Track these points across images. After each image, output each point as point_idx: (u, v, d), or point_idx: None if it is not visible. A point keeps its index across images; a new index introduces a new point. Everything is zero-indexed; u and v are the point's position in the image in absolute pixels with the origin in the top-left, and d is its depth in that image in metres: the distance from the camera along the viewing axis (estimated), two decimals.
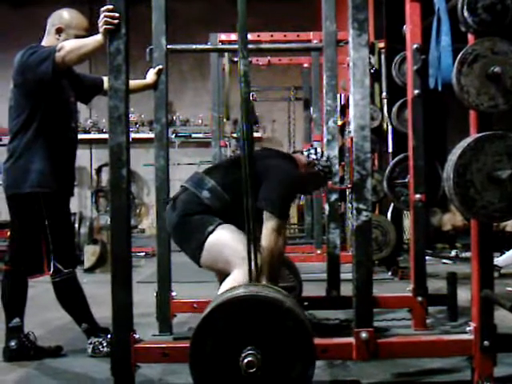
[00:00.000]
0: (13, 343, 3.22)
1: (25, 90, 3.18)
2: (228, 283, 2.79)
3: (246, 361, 2.16)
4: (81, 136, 3.59)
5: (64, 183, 3.29)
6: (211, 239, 2.95)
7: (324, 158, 3.36)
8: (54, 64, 3.02)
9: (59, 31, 3.26)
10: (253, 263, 2.52)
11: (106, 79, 3.31)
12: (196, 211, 3.04)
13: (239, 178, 2.98)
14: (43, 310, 4.34)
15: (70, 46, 3.03)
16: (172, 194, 3.45)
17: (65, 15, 3.29)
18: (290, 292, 3.65)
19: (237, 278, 2.78)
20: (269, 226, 2.92)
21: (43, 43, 3.28)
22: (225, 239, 2.94)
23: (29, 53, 3.12)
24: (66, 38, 3.23)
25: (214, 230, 2.96)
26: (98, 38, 2.85)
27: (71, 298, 3.34)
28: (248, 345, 2.19)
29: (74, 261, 3.42)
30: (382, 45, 6.41)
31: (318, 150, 3.42)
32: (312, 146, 3.50)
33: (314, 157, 3.34)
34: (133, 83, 3.27)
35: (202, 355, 2.21)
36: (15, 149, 3.23)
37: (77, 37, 3.22)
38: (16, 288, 3.31)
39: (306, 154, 3.37)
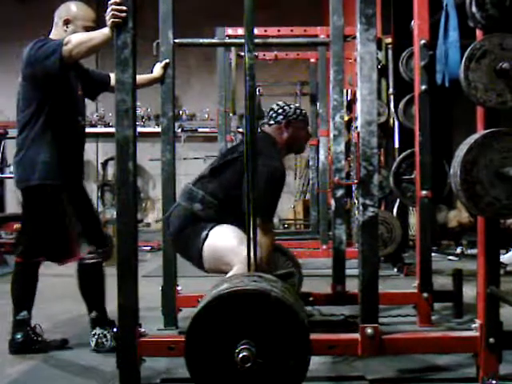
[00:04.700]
0: (19, 336, 3.24)
1: (33, 84, 3.18)
2: None
3: (240, 356, 2.16)
4: (87, 130, 3.59)
5: (71, 176, 3.29)
6: (206, 246, 2.99)
7: (287, 108, 3.33)
8: (61, 58, 3.02)
9: (67, 23, 3.25)
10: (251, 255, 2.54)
11: (112, 76, 3.31)
12: (190, 224, 3.07)
13: (225, 180, 3.08)
14: (49, 304, 4.36)
15: (77, 39, 3.02)
16: (178, 189, 3.47)
17: (72, 7, 3.29)
18: (288, 278, 3.67)
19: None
20: None
21: (51, 36, 3.28)
22: (218, 242, 2.97)
23: (37, 46, 3.11)
24: (73, 29, 3.23)
25: (207, 235, 3.00)
26: (105, 32, 2.85)
27: (93, 282, 3.33)
28: (241, 339, 2.19)
29: (105, 240, 3.43)
30: (389, 40, 6.38)
31: (274, 107, 3.38)
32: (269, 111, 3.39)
33: (280, 118, 3.31)
34: (139, 78, 3.28)
35: (197, 353, 2.22)
36: (23, 141, 3.24)
37: (84, 28, 3.22)
38: (27, 281, 3.32)
39: (272, 122, 3.32)
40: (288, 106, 3.35)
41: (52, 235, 3.27)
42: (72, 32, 3.21)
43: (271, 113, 3.35)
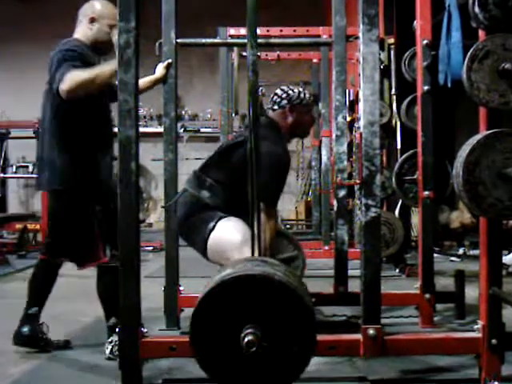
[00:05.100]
0: (26, 329, 3.24)
1: (51, 91, 3.16)
2: None
3: (246, 340, 2.12)
4: None
5: (95, 180, 3.26)
6: (212, 237, 3.00)
7: (291, 92, 3.30)
8: (58, 95, 3.02)
9: (92, 21, 3.26)
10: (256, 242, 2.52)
11: None
12: (197, 211, 3.07)
13: (233, 167, 3.07)
14: (53, 303, 4.34)
15: (81, 78, 2.98)
16: (179, 189, 3.46)
17: (97, 5, 3.29)
18: (292, 262, 3.66)
19: None
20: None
21: (76, 34, 3.29)
22: (223, 236, 2.98)
23: (55, 58, 3.09)
24: (99, 27, 3.24)
25: (214, 226, 3.00)
26: (112, 66, 2.87)
27: (113, 287, 3.24)
28: (246, 323, 2.16)
29: None
30: (391, 40, 6.38)
31: (278, 92, 3.35)
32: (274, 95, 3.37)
33: (284, 102, 3.29)
34: (142, 81, 3.29)
35: (203, 338, 2.20)
36: (45, 145, 3.24)
37: (109, 26, 3.23)
38: (46, 279, 3.34)
39: (276, 107, 3.29)
40: (292, 90, 3.32)
41: (76, 238, 3.27)
42: (97, 30, 3.22)
43: (275, 97, 3.32)
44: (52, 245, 3.36)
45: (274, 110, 3.31)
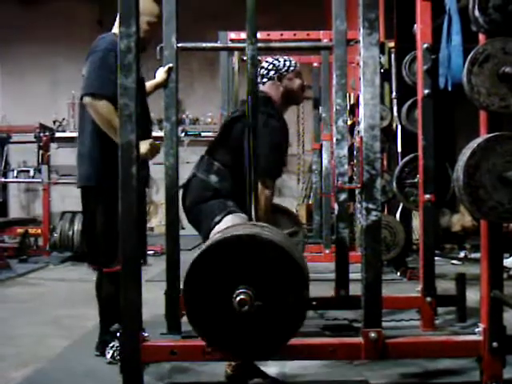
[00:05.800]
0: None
1: None
2: None
3: (238, 299, 2.13)
4: None
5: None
6: (216, 231, 2.98)
7: (276, 62, 3.32)
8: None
9: None
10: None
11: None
12: (207, 197, 3.08)
13: (233, 144, 3.11)
14: (54, 308, 4.36)
15: (104, 115, 3.05)
16: (181, 192, 3.47)
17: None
18: (292, 236, 3.66)
19: None
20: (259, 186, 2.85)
21: (114, 29, 3.27)
22: None
23: (91, 53, 3.13)
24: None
25: (220, 220, 2.99)
26: None
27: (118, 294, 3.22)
28: (238, 284, 2.16)
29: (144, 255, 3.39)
30: (392, 44, 6.39)
31: (264, 64, 3.36)
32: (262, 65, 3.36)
33: (272, 73, 3.30)
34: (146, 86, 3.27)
35: (196, 303, 2.21)
36: (79, 141, 3.26)
37: (148, 24, 3.23)
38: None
39: (264, 80, 3.30)
40: (276, 59, 3.35)
41: (109, 234, 3.19)
42: None
43: (262, 70, 3.33)
44: (88, 248, 3.33)
45: (263, 83, 3.33)
